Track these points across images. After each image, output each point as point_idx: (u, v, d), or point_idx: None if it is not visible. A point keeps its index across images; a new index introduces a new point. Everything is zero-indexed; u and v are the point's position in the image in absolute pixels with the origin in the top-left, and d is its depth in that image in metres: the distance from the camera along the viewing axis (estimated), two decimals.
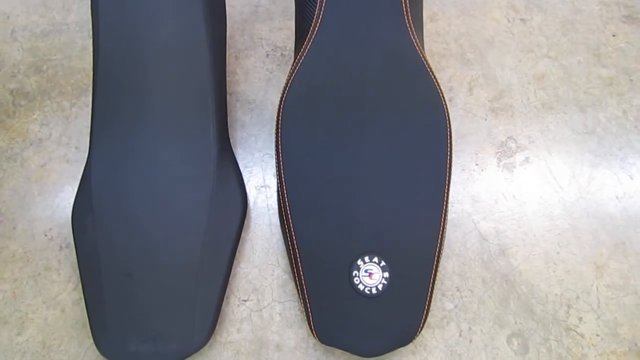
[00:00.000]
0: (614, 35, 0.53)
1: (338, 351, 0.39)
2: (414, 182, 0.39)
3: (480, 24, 0.54)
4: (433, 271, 0.38)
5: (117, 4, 0.41)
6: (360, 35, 0.41)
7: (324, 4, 0.41)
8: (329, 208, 0.38)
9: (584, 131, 0.48)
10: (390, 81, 0.40)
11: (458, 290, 0.42)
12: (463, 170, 0.46)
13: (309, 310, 0.37)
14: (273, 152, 0.46)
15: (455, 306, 0.41)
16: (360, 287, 0.37)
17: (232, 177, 0.43)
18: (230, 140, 0.46)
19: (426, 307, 0.37)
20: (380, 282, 0.37)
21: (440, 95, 0.41)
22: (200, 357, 0.39)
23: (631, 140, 0.48)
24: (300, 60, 0.41)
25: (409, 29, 0.41)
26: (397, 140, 0.40)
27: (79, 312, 0.41)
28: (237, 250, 0.42)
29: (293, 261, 0.38)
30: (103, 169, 0.40)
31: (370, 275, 0.37)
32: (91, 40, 0.44)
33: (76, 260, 0.39)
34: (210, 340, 0.39)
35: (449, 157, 0.40)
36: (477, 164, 0.47)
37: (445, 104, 0.41)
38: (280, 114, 0.41)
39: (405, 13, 0.41)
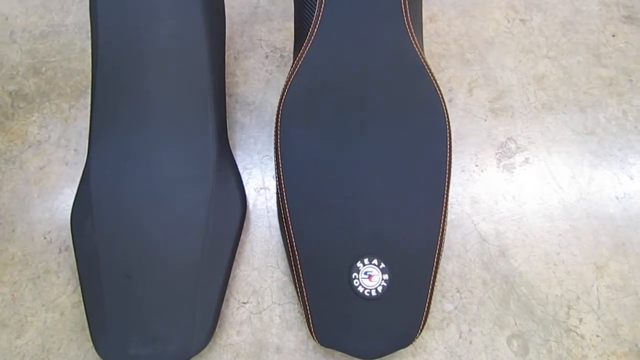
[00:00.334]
0: (613, 36, 0.53)
1: (338, 353, 0.39)
2: (413, 184, 0.39)
3: (480, 25, 0.54)
4: (433, 272, 0.38)
5: (115, 6, 0.41)
6: (359, 36, 0.41)
7: (323, 5, 0.41)
8: (328, 210, 0.38)
9: (584, 132, 0.48)
10: (389, 82, 0.40)
11: (458, 291, 0.42)
12: (463, 171, 0.46)
13: (309, 312, 0.37)
14: (272, 154, 0.46)
15: (455, 307, 0.41)
16: (360, 289, 0.37)
17: (232, 178, 0.43)
18: (230, 142, 0.46)
19: (426, 308, 0.37)
20: (379, 284, 0.37)
21: (440, 96, 0.40)
22: None
23: (631, 140, 0.48)
24: (300, 62, 0.41)
25: (408, 30, 0.41)
26: (396, 141, 0.40)
27: (79, 314, 0.41)
28: (237, 253, 0.42)
29: (292, 263, 0.38)
30: (102, 171, 0.40)
31: (370, 277, 0.37)
32: (90, 42, 0.43)
33: (75, 263, 0.39)
34: (210, 343, 0.39)
35: (448, 158, 0.40)
36: (476, 165, 0.47)
37: (445, 105, 0.40)
38: (280, 115, 0.41)
39: (404, 14, 0.41)
